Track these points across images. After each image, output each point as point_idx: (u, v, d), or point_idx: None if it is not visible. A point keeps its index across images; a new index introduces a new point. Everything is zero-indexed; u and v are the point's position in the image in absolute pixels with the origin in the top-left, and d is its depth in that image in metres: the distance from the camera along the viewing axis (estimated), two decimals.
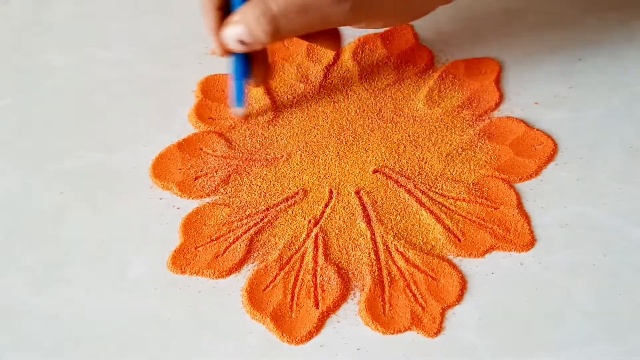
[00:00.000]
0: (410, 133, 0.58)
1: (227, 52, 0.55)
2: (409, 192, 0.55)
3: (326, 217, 0.54)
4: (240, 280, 0.52)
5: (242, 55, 0.56)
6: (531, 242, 0.53)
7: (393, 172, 0.56)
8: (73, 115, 0.61)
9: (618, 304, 0.50)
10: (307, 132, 0.59)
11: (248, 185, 0.56)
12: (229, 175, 0.57)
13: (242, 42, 0.53)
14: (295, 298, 0.51)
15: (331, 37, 0.57)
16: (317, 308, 0.50)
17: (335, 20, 0.54)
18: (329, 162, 0.57)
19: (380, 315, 0.50)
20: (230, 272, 0.52)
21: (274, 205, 0.55)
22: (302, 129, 0.59)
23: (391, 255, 0.52)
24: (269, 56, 0.58)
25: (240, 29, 0.53)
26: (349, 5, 0.52)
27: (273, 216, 0.54)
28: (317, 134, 0.59)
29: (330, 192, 0.56)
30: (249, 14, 0.53)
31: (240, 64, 0.56)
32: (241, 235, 0.54)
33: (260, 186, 0.56)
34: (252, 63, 0.57)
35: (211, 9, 0.55)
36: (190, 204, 0.55)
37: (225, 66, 0.63)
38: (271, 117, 0.60)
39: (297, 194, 0.56)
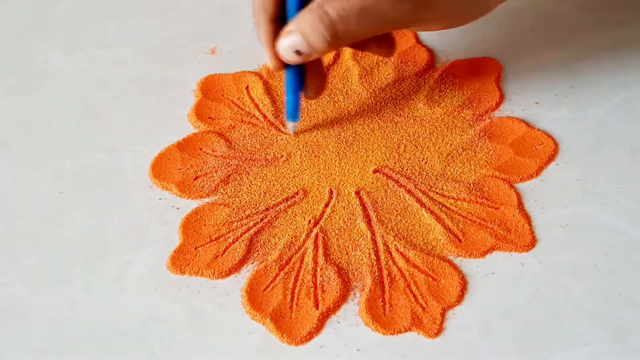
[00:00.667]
0: (410, 133, 0.58)
1: (282, 65, 0.53)
2: (409, 192, 0.55)
3: (326, 217, 0.54)
4: (240, 280, 0.52)
5: (297, 66, 0.54)
6: (532, 243, 0.53)
7: (393, 172, 0.56)
8: (73, 115, 0.61)
9: (618, 304, 0.50)
10: (307, 132, 0.59)
11: (248, 185, 0.56)
12: (229, 175, 0.57)
13: (298, 53, 0.51)
14: (295, 298, 0.51)
15: (385, 42, 0.55)
16: (317, 308, 0.50)
17: (394, 23, 0.51)
18: (329, 162, 0.57)
19: (380, 315, 0.50)
20: (230, 272, 0.52)
21: (274, 205, 0.55)
22: (302, 128, 0.59)
23: (391, 255, 0.52)
24: (322, 66, 0.57)
25: (297, 38, 0.51)
26: (409, 5, 0.50)
27: (273, 216, 0.54)
28: (317, 134, 0.59)
29: (330, 192, 0.56)
30: (305, 22, 0.50)
31: (295, 76, 0.55)
32: (241, 235, 0.54)
33: (260, 186, 0.56)
34: (305, 74, 0.55)
35: (265, 22, 0.53)
36: (190, 204, 0.55)
37: (224, 65, 0.63)
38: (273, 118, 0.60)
39: (297, 194, 0.56)
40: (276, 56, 0.53)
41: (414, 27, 0.53)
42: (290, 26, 0.52)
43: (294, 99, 0.56)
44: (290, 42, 0.51)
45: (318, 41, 0.51)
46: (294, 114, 0.57)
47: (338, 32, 0.50)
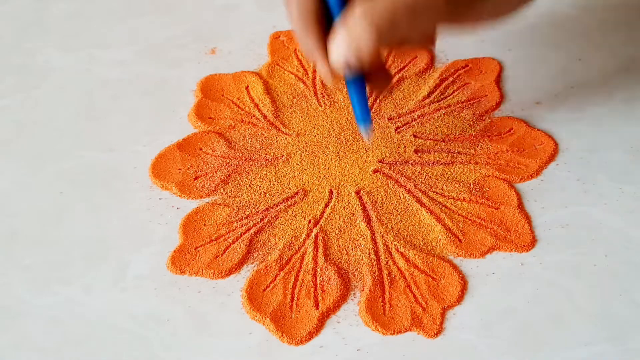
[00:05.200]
0: (410, 133, 0.58)
1: (339, 78, 0.49)
2: (409, 192, 0.55)
3: (326, 217, 0.54)
4: (240, 280, 0.52)
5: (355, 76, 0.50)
6: (532, 243, 0.53)
7: (393, 172, 0.56)
8: (73, 115, 0.61)
9: (619, 304, 0.50)
10: (307, 132, 0.59)
11: (248, 185, 0.56)
12: (229, 175, 0.57)
13: (349, 62, 0.47)
14: (295, 298, 0.51)
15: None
16: (317, 308, 0.50)
17: (428, 19, 0.47)
18: (329, 162, 0.57)
19: (380, 315, 0.50)
20: (230, 272, 0.52)
21: (274, 205, 0.55)
22: (302, 129, 0.59)
23: (391, 255, 0.52)
24: (384, 63, 0.52)
25: (344, 51, 0.47)
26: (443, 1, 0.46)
27: (273, 216, 0.54)
28: (317, 134, 0.59)
29: (330, 192, 0.56)
30: (350, 26, 0.46)
31: (356, 82, 0.51)
32: (241, 235, 0.54)
33: (260, 186, 0.56)
34: (366, 76, 0.50)
35: (312, 32, 0.48)
36: (190, 204, 0.55)
37: (224, 65, 0.63)
38: (272, 117, 0.60)
39: (297, 194, 0.56)
40: (332, 71, 0.49)
41: (457, 22, 0.49)
42: (336, 38, 0.47)
43: (361, 105, 0.51)
44: (338, 56, 0.47)
45: (364, 43, 0.46)
46: (366, 120, 0.52)
47: (382, 29, 0.46)
